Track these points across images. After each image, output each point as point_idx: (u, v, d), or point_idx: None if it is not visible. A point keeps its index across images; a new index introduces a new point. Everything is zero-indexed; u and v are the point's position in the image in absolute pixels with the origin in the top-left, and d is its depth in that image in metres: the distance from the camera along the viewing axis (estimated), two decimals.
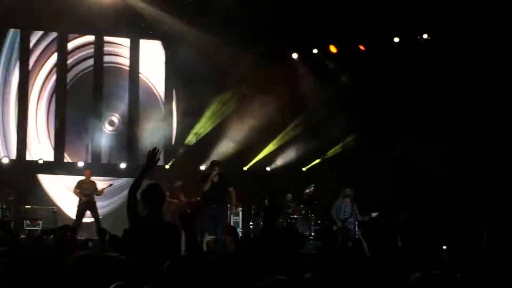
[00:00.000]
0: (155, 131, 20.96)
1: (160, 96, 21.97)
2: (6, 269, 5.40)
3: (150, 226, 7.07)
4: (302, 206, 19.10)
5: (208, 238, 15.49)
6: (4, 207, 18.16)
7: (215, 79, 21.09)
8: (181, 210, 19.02)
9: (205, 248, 13.96)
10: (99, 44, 21.28)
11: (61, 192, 20.04)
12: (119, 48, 21.66)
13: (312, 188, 18.88)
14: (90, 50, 21.34)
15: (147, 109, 21.71)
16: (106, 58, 21.53)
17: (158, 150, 7.37)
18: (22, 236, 16.46)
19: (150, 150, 7.29)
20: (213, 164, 16.08)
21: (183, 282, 4.50)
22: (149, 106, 21.78)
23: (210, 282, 4.65)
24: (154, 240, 6.71)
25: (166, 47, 21.79)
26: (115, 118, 21.53)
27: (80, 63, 21.30)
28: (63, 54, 20.90)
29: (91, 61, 21.38)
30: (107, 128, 21.38)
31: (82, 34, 21.12)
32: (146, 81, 21.90)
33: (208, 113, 21.70)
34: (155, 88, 21.98)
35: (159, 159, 7.45)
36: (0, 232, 14.67)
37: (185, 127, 21.75)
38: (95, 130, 20.93)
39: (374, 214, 16.89)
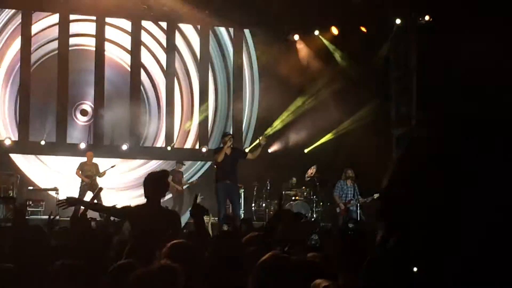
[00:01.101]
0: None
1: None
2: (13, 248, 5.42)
3: (150, 213, 7.06)
4: (304, 188, 19.13)
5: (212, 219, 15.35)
6: (6, 187, 18.21)
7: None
8: (181, 195, 19.16)
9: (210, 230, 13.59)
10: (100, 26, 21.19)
11: (62, 173, 20.07)
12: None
13: (314, 169, 18.89)
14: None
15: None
16: (72, 40, 21.13)
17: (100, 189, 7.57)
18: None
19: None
20: (227, 134, 15.16)
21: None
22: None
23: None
24: (154, 227, 6.68)
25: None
26: (87, 107, 21.34)
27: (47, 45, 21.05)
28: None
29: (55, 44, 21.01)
30: (80, 118, 21.24)
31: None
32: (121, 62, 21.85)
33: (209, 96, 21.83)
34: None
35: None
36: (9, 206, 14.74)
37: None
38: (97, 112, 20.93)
39: (376, 196, 16.91)
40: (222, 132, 20.90)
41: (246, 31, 22.25)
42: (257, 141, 15.20)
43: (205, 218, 10.76)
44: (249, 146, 20.87)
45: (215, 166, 15.04)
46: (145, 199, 7.29)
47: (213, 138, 21.94)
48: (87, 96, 21.23)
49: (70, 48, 20.85)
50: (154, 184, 7.22)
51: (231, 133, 15.62)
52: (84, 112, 21.22)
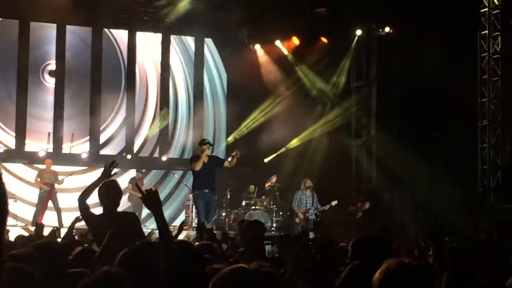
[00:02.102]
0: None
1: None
2: None
3: (109, 220, 7.10)
4: (263, 197, 19.13)
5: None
6: None
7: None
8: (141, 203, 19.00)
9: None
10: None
11: (20, 181, 19.80)
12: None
13: (274, 179, 18.91)
14: None
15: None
16: None
17: (116, 163, 7.51)
18: None
19: (107, 163, 7.45)
20: (205, 142, 14.71)
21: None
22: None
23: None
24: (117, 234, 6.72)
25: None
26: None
27: None
28: None
29: None
30: (47, 80, 20.70)
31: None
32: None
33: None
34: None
35: (115, 173, 7.55)
36: None
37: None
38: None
39: (333, 203, 16.99)
40: (185, 140, 20.97)
41: (209, 40, 22.23)
42: (233, 153, 14.92)
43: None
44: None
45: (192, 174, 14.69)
46: (102, 209, 7.49)
47: (174, 146, 21.91)
48: (53, 54, 20.65)
49: None
50: (105, 191, 7.38)
51: (209, 140, 15.14)
52: (53, 73, 20.68)
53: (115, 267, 4.59)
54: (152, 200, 5.20)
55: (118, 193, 7.52)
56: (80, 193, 7.31)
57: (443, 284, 4.71)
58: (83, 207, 7.35)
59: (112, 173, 7.40)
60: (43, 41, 20.61)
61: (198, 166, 14.24)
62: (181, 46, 22.23)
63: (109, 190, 7.40)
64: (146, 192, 5.24)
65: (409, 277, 3.68)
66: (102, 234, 7.05)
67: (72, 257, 5.46)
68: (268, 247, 7.10)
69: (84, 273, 4.48)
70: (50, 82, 20.69)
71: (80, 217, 7.67)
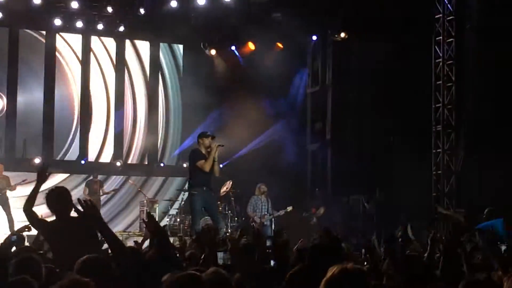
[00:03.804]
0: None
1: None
2: None
3: (64, 227, 7.02)
4: (218, 203, 19.04)
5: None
6: None
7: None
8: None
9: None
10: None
11: None
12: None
13: (230, 185, 18.81)
14: None
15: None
16: None
17: (47, 166, 7.46)
18: None
19: (40, 167, 7.40)
20: (211, 136, 13.39)
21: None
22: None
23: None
24: (72, 239, 6.65)
25: None
26: None
27: None
28: None
29: None
30: None
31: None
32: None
33: None
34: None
35: (49, 174, 7.46)
36: None
37: None
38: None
39: (289, 209, 16.99)
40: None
41: (165, 45, 22.11)
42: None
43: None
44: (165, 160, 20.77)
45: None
46: (55, 216, 7.26)
47: (131, 151, 21.74)
48: None
49: None
50: (54, 200, 7.22)
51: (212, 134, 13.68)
52: None
53: (75, 274, 4.53)
54: (91, 215, 5.12)
55: (68, 200, 7.25)
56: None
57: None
58: (30, 215, 7.23)
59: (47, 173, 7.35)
60: None
61: (207, 167, 12.87)
62: (137, 51, 22.06)
63: (57, 199, 7.22)
64: (86, 208, 5.12)
65: (351, 283, 3.65)
66: (56, 240, 6.97)
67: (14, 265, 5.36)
68: (220, 254, 7.01)
69: (25, 279, 4.42)
70: None
71: (29, 225, 7.51)
